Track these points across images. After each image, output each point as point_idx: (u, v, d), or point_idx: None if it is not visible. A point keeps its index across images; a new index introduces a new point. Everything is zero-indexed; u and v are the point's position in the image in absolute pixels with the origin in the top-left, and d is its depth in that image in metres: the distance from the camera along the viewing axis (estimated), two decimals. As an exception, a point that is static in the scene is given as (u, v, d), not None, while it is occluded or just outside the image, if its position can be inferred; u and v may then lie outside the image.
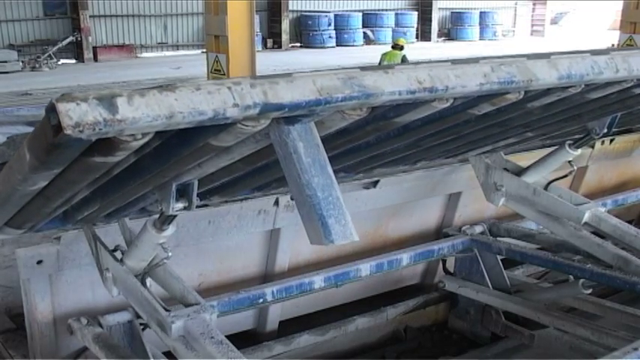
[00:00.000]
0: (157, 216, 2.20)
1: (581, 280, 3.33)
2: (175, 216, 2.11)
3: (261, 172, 2.17)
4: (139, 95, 1.13)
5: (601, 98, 2.25)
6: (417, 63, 1.54)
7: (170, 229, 2.21)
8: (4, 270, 3.01)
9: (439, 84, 1.46)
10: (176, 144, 1.54)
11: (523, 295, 3.66)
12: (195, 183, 1.92)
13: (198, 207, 2.87)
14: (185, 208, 1.96)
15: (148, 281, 2.44)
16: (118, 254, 2.45)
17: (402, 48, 13.62)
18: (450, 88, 1.48)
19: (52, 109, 1.09)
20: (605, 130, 2.93)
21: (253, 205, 3.10)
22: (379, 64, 12.27)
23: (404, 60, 13.02)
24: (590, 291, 3.36)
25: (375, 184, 3.48)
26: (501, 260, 3.77)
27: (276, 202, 3.15)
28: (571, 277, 3.43)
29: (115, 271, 2.44)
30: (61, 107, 1.07)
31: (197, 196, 1.99)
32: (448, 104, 1.67)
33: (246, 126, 1.35)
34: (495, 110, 2.03)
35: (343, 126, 1.65)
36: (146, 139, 1.29)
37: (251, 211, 3.11)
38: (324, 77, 1.33)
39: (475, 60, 1.58)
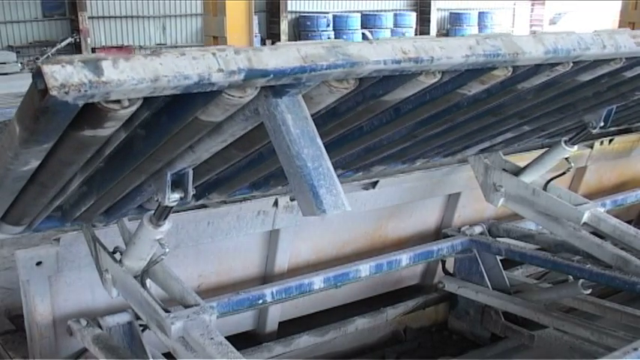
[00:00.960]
0: (153, 211, 2.19)
1: (581, 281, 3.33)
2: (171, 209, 2.10)
3: (256, 164, 2.17)
4: (124, 60, 1.14)
5: (593, 82, 2.24)
6: None
7: (167, 225, 2.21)
8: (4, 271, 3.01)
9: (424, 54, 1.46)
10: (166, 121, 1.54)
11: (523, 296, 3.66)
12: (190, 172, 1.91)
13: (197, 207, 2.90)
14: (181, 199, 1.95)
15: (148, 282, 2.44)
16: (118, 256, 2.45)
17: None
18: (436, 59, 1.48)
19: (38, 74, 1.10)
20: (602, 124, 2.92)
21: (252, 206, 3.10)
22: None
23: None
24: (589, 291, 3.36)
25: (374, 184, 3.48)
26: (501, 261, 3.77)
27: (275, 203, 3.14)
28: (570, 277, 3.43)
29: (115, 273, 2.44)
30: (47, 69, 1.08)
31: (195, 193, 1.98)
32: (436, 80, 1.67)
33: (233, 96, 1.35)
34: (486, 93, 2.03)
35: (332, 102, 1.64)
36: (134, 108, 1.29)
37: (250, 212, 3.10)
38: (309, 46, 1.34)
39: (460, 36, 1.60)
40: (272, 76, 1.29)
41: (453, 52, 1.52)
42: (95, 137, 1.44)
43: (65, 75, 1.08)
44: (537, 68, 1.90)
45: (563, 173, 3.40)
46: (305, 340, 3.56)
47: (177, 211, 2.84)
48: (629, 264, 3.15)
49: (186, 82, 1.20)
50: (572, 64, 1.91)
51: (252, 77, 1.27)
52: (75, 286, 2.81)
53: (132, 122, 1.47)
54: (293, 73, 1.30)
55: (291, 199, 3.17)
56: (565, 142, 3.21)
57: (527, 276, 4.11)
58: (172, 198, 1.94)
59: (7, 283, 3.10)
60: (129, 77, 1.13)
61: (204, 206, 2.92)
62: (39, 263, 2.62)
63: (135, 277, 2.40)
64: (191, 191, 1.94)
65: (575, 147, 3.23)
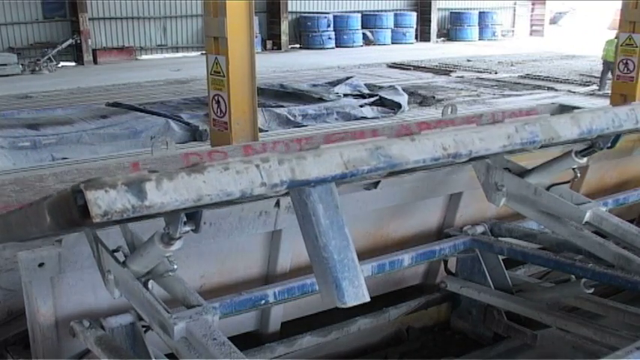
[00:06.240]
0: (165, 231, 2.17)
1: (583, 280, 3.32)
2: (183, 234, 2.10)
3: None
4: (168, 179, 1.10)
5: None
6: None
7: (177, 244, 2.20)
8: (6, 273, 3.00)
9: (463, 149, 1.46)
10: None
11: (525, 295, 3.66)
12: (203, 210, 1.91)
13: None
14: (192, 231, 1.95)
15: (150, 283, 2.43)
16: (120, 256, 2.45)
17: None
18: (474, 152, 1.49)
19: (78, 191, 1.07)
20: (609, 145, 2.93)
21: (254, 207, 3.09)
22: (603, 50, 16.07)
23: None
24: (592, 290, 3.35)
25: (376, 184, 3.47)
26: (503, 260, 3.77)
27: (277, 204, 3.14)
28: (573, 276, 3.42)
29: (117, 274, 2.43)
30: (90, 195, 1.05)
31: None
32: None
33: (269, 197, 1.34)
34: None
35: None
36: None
37: (252, 212, 3.10)
38: (352, 149, 1.30)
39: (501, 119, 1.59)
40: (313, 184, 1.28)
41: (492, 144, 1.51)
42: None
43: (108, 201, 1.06)
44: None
45: (567, 182, 3.38)
46: (308, 341, 3.56)
47: (179, 212, 2.84)
48: (632, 263, 3.15)
49: (228, 199, 1.18)
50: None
51: (294, 187, 1.26)
52: (77, 288, 2.80)
53: None
54: (334, 179, 1.29)
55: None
56: (576, 153, 3.17)
57: (530, 275, 4.10)
58: (183, 230, 1.93)
59: (9, 284, 3.09)
60: (172, 199, 1.11)
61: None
62: (41, 264, 2.62)
63: (137, 278, 2.40)
64: (202, 225, 1.92)
65: (585, 159, 3.20)
